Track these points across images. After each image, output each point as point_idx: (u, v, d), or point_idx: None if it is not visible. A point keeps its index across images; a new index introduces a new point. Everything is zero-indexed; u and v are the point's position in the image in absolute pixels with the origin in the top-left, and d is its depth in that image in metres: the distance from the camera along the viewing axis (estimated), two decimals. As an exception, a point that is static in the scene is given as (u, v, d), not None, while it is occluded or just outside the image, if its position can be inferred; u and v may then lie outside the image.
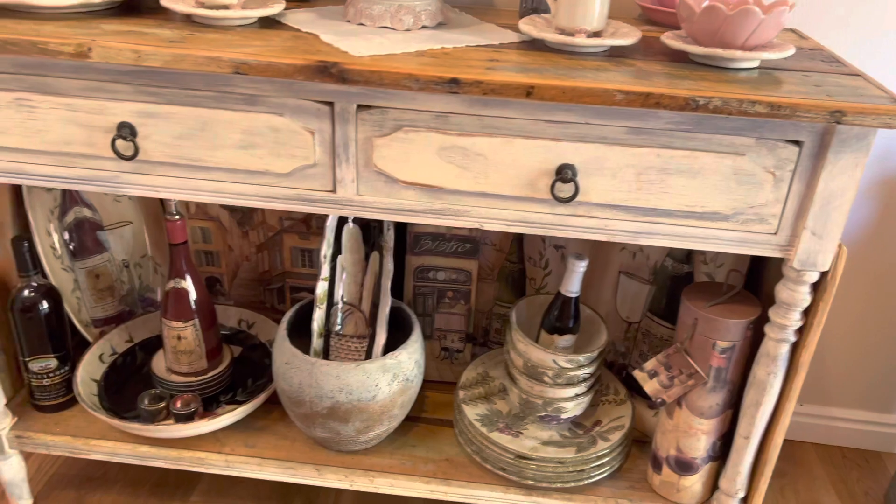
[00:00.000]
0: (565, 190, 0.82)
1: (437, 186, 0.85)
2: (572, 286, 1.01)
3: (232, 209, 1.26)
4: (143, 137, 0.85)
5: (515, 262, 1.26)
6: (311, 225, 1.26)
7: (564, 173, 0.80)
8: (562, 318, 1.04)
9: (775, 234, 0.83)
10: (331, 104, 0.82)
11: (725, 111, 0.74)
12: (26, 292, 1.08)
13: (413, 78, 0.76)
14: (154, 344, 1.27)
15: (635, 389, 1.19)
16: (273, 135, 0.84)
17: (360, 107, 0.82)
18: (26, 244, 1.05)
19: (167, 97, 0.83)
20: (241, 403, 1.15)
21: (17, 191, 1.14)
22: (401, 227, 1.20)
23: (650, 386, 1.00)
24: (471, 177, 0.84)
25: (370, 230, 1.16)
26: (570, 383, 1.04)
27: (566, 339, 1.05)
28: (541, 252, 1.26)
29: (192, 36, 0.83)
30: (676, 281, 1.14)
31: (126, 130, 0.84)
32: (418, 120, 0.81)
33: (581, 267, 1.00)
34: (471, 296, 1.24)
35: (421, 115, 0.81)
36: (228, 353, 1.22)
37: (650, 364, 1.00)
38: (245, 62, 0.77)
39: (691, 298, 0.95)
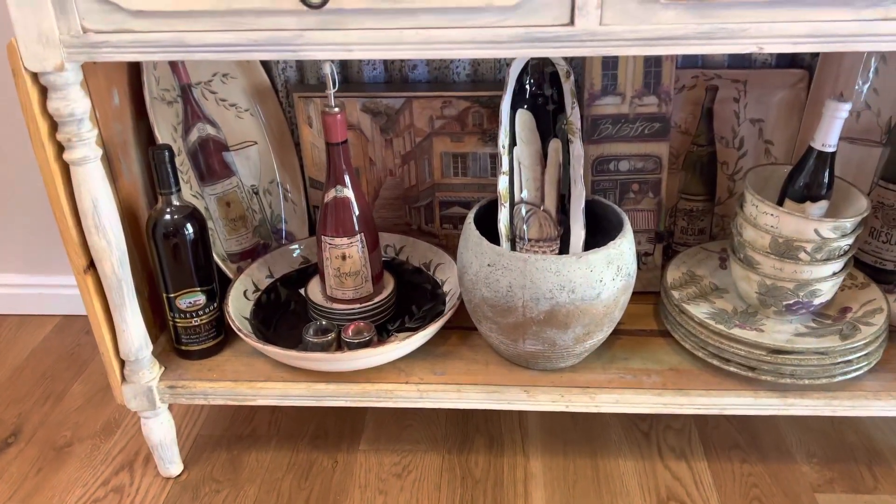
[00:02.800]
0: (883, -20, 0.65)
1: (708, -1, 0.68)
2: (831, 138, 0.84)
3: (376, 112, 1.09)
4: (333, -23, 0.69)
5: (704, 145, 1.08)
6: (466, 123, 1.09)
7: (888, -45, 0.63)
8: (815, 181, 0.87)
9: None
10: None
11: None
12: (168, 215, 0.91)
13: None
14: (296, 279, 1.11)
15: (868, 275, 1.03)
16: (500, -47, 0.67)
17: None
18: (167, 153, 0.88)
19: (366, -84, 0.67)
20: (414, 331, 0.99)
21: (139, 105, 0.98)
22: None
23: (940, 246, 0.83)
24: (755, -20, 0.67)
25: (546, 116, 1.00)
26: (830, 258, 0.87)
27: (820, 207, 0.88)
28: (734, 129, 1.09)
29: None
30: (919, 137, 0.96)
31: (314, -32, 0.68)
32: None
33: (843, 111, 0.82)
34: (661, 186, 1.07)
35: None
36: (391, 278, 1.06)
37: (939, 220, 0.83)
38: None
39: None
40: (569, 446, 1.08)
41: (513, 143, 0.99)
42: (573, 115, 0.97)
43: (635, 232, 1.09)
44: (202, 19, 0.72)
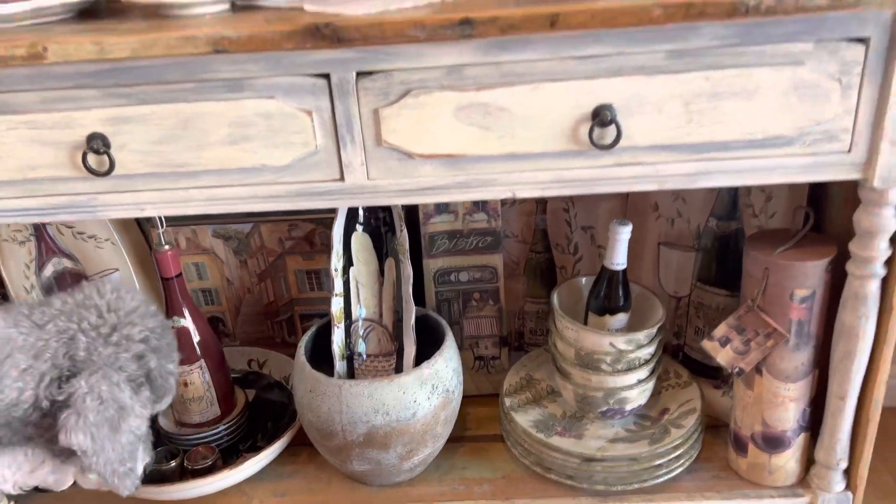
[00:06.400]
0: (606, 135, 0.72)
1: (458, 155, 0.74)
2: (617, 257, 0.91)
3: (227, 237, 1.14)
4: (117, 148, 0.75)
5: (541, 252, 1.15)
6: (314, 242, 1.15)
7: (602, 115, 0.70)
8: (610, 296, 0.93)
9: (848, 151, 0.72)
10: (327, 76, 0.72)
11: (781, 11, 0.64)
12: (7, 355, 0.95)
13: (419, 25, 0.66)
14: (158, 399, 1.14)
15: (696, 371, 1.08)
16: (265, 122, 0.73)
17: (360, 74, 0.71)
18: None
19: (139, 97, 0.73)
20: (263, 450, 1.02)
21: (-14, 246, 1.03)
22: (414, 230, 1.10)
23: (724, 355, 0.88)
24: (495, 138, 0.73)
25: (381, 237, 1.06)
26: (631, 368, 0.92)
27: (619, 319, 0.93)
28: (567, 236, 1.16)
29: (161, 24, 0.74)
30: (725, 242, 1.03)
31: (97, 142, 0.74)
32: (428, 79, 0.71)
33: (625, 233, 0.89)
34: (499, 294, 1.12)
35: (431, 73, 0.71)
36: (242, 397, 1.10)
37: (720, 330, 0.88)
38: (225, 37, 0.67)
39: (757, 247, 0.84)
40: (426, 553, 1.10)
41: (350, 263, 1.04)
42: (401, 236, 1.03)
43: (481, 338, 1.15)
44: (3, 188, 0.78)
